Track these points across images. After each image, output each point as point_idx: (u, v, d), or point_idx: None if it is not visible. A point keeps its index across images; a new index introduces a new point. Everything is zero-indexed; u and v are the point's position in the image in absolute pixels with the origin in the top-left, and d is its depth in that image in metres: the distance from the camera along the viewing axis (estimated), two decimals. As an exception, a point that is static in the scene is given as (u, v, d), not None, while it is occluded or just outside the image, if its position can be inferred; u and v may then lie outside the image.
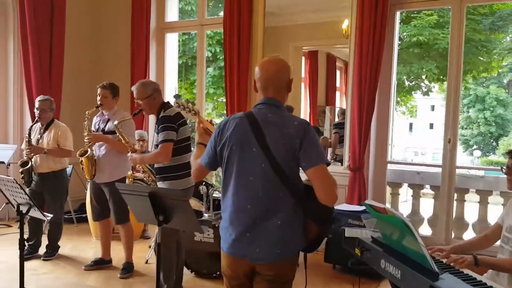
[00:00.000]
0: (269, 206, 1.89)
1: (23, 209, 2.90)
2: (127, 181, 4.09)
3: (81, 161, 3.86)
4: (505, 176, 2.41)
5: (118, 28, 6.12)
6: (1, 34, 5.73)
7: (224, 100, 5.63)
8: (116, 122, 3.64)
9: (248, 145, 1.90)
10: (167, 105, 3.36)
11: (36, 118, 4.22)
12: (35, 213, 2.93)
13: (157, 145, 3.26)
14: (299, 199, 1.91)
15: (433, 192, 4.79)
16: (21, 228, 3.21)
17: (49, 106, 4.24)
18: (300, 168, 1.90)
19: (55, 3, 5.60)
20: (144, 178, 3.86)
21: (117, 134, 3.68)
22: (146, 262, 4.22)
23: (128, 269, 3.97)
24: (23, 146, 4.22)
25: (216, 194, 4.09)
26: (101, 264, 4.13)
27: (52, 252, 4.36)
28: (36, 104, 4.22)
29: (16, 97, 5.72)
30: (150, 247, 4.42)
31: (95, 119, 4.04)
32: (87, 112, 3.92)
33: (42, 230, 4.44)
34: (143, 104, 3.35)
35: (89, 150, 3.82)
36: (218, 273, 3.68)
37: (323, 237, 2.07)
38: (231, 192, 1.95)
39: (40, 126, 4.27)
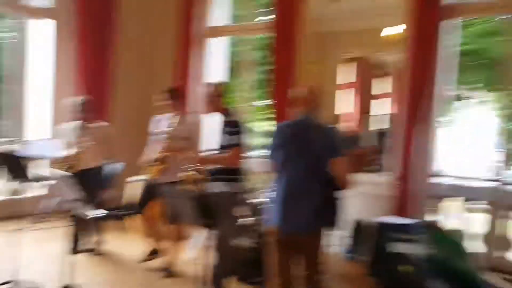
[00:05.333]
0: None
1: (77, 205, 3.00)
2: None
3: (155, 165, 3.96)
4: None
5: (165, 31, 6.26)
6: (58, 34, 5.99)
7: (264, 104, 5.65)
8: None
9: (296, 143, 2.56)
10: (236, 108, 3.48)
11: (77, 117, 4.33)
12: (86, 209, 3.03)
13: (224, 147, 3.30)
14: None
15: (485, 207, 4.58)
16: (74, 223, 3.36)
17: (90, 107, 4.37)
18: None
19: (109, 7, 5.84)
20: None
21: (187, 140, 3.87)
22: (188, 263, 4.26)
23: (169, 270, 4.04)
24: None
25: (257, 200, 4.11)
26: (153, 255, 4.24)
27: (98, 248, 4.49)
28: (78, 105, 4.32)
29: (70, 95, 5.93)
30: (191, 248, 4.47)
31: (157, 120, 4.15)
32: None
33: (89, 225, 4.56)
34: (213, 100, 3.39)
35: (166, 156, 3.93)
36: (259, 279, 3.65)
37: None
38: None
39: (82, 125, 4.35)
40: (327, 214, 2.60)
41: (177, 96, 4.10)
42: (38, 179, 3.54)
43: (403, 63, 4.47)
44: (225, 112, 3.39)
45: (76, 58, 5.81)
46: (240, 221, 3.81)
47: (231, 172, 3.30)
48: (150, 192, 4.09)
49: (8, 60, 5.85)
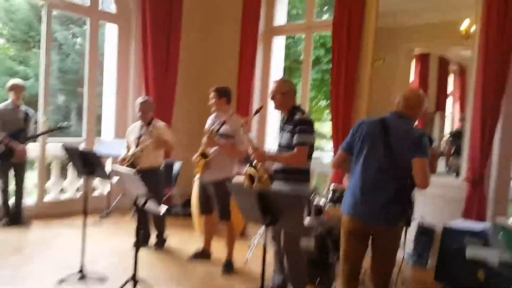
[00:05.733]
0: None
1: (141, 201, 3.09)
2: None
3: (199, 160, 4.01)
4: None
5: (228, 31, 6.35)
6: (125, 37, 6.26)
7: (323, 104, 5.52)
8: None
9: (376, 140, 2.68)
10: (301, 107, 3.35)
11: (137, 117, 4.49)
12: (151, 205, 3.10)
13: (287, 146, 3.22)
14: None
15: None
16: (139, 219, 3.46)
17: (149, 107, 4.49)
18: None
19: (174, 6, 6.01)
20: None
21: (231, 138, 3.87)
22: (246, 262, 4.28)
23: (229, 267, 4.06)
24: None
25: (317, 201, 4.05)
26: (202, 255, 4.31)
27: (161, 243, 4.63)
28: (138, 106, 4.45)
29: (135, 96, 6.19)
30: (250, 247, 4.48)
31: (211, 120, 4.20)
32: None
33: (149, 221, 4.70)
34: (278, 98, 3.32)
35: (208, 151, 3.98)
36: (318, 279, 3.63)
37: None
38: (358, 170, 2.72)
39: (141, 124, 4.48)
40: (403, 210, 2.60)
41: (225, 95, 4.08)
42: (108, 176, 3.69)
43: (479, 57, 4.18)
44: (292, 110, 3.29)
45: (139, 60, 6.04)
46: (305, 222, 3.76)
47: (295, 172, 3.21)
48: (206, 191, 4.13)
49: (83, 64, 6.19)
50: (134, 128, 4.59)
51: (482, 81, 4.11)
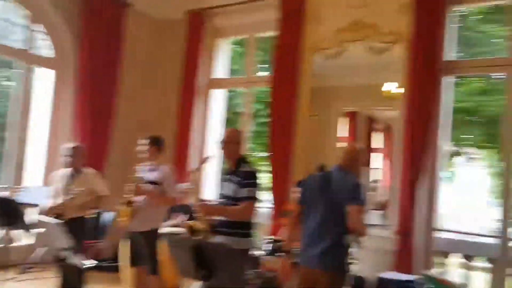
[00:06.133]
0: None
1: (67, 254, 2.90)
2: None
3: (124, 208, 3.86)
4: None
5: (168, 81, 6.42)
6: (60, 82, 6.07)
7: (261, 155, 5.66)
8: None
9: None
10: (247, 158, 3.28)
11: (67, 163, 4.20)
12: (78, 258, 2.92)
13: (232, 198, 3.10)
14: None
15: (486, 265, 4.47)
16: (63, 273, 3.22)
17: (81, 153, 4.27)
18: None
19: (112, 55, 5.98)
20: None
21: (159, 186, 3.74)
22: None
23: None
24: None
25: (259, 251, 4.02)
26: None
27: None
28: (69, 152, 4.20)
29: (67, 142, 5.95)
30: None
31: (142, 169, 4.10)
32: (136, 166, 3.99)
33: (79, 275, 4.37)
34: (230, 147, 3.20)
35: (133, 200, 3.85)
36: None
37: None
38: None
39: (71, 172, 4.22)
40: (337, 257, 2.84)
41: (158, 143, 3.99)
42: (30, 226, 3.44)
43: (404, 117, 4.53)
44: (238, 160, 3.20)
45: (74, 106, 5.84)
46: (243, 275, 3.67)
47: (239, 226, 3.09)
48: (135, 242, 3.94)
49: (10, 108, 5.90)
50: (63, 175, 4.27)
51: (405, 138, 4.44)
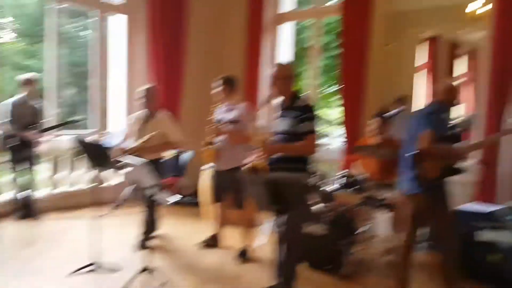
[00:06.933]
0: None
1: (153, 191, 3.10)
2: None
3: (206, 149, 4.00)
4: None
5: (234, 20, 6.33)
6: (133, 28, 6.24)
7: (330, 90, 5.48)
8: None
9: None
10: (301, 92, 3.19)
11: (141, 105, 4.26)
12: (163, 195, 3.11)
13: (290, 133, 3.01)
14: None
15: None
16: (149, 209, 3.47)
17: (155, 94, 4.29)
18: None
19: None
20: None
21: (239, 124, 3.82)
22: (255, 250, 4.28)
23: (242, 254, 4.08)
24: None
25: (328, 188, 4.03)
26: (213, 242, 4.35)
27: (143, 244, 4.20)
28: (142, 93, 4.24)
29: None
30: (263, 234, 4.48)
31: (219, 110, 4.16)
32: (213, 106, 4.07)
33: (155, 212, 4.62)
34: (280, 83, 3.09)
35: (214, 140, 3.96)
36: (330, 266, 3.64)
37: None
38: None
39: (146, 114, 4.28)
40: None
41: (231, 83, 4.01)
42: (118, 167, 3.69)
43: (492, 38, 4.10)
44: (293, 96, 3.09)
45: (148, 50, 6.02)
46: (312, 208, 3.74)
47: (295, 161, 3.04)
48: (219, 180, 4.13)
49: (90, 57, 6.20)
50: (138, 117, 4.34)
51: (491, 63, 4.05)
